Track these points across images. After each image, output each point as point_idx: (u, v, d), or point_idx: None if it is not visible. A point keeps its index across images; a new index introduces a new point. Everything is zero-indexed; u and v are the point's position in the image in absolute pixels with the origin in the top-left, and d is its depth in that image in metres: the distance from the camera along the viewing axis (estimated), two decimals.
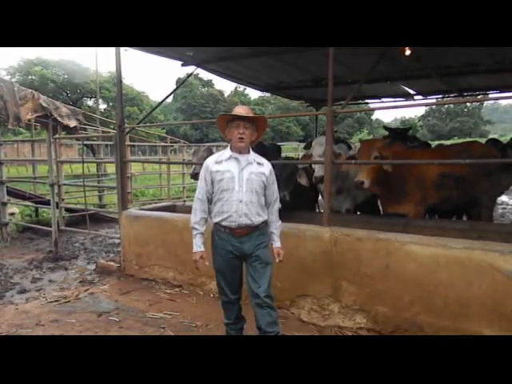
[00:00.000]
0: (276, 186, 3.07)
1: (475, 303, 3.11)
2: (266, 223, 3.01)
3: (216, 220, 2.94)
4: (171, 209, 5.79)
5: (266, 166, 2.99)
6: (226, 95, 59.35)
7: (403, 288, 3.40)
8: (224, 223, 2.89)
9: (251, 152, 2.98)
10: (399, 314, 3.43)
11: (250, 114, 2.89)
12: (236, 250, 2.90)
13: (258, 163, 2.95)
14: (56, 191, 6.77)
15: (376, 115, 61.78)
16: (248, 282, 2.91)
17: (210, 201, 2.98)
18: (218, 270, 3.00)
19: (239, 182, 2.84)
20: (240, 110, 2.89)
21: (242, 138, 2.84)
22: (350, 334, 3.60)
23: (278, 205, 3.08)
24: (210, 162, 2.97)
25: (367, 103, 9.30)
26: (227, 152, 2.95)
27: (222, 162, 2.91)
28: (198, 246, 2.98)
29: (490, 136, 28.01)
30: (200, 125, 48.83)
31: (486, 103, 63.34)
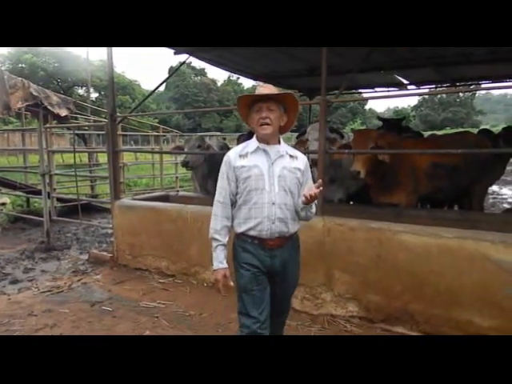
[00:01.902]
0: (311, 180, 2.47)
1: (466, 292, 3.15)
2: (297, 233, 2.49)
3: (241, 229, 2.35)
4: (164, 199, 5.77)
5: (301, 160, 2.43)
6: (219, 84, 59.08)
7: (395, 277, 3.43)
8: (252, 233, 2.31)
9: (282, 142, 2.42)
10: (391, 302, 3.47)
11: (275, 92, 2.32)
12: (264, 266, 2.34)
13: (291, 156, 2.39)
14: (47, 181, 6.72)
15: (369, 105, 62.06)
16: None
17: (233, 204, 2.41)
18: (242, 289, 2.35)
19: (270, 179, 2.29)
20: (262, 90, 2.33)
21: (266, 124, 2.27)
22: (342, 322, 3.63)
23: (315, 208, 2.45)
24: (232, 155, 2.38)
25: (360, 93, 9.27)
26: (253, 143, 2.38)
27: (247, 155, 2.34)
28: (219, 261, 2.36)
29: (482, 126, 28.22)
30: (193, 114, 48.58)
31: (478, 93, 63.56)
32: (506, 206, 9.93)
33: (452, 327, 3.20)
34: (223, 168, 2.41)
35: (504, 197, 11.97)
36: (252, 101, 2.32)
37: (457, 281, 3.17)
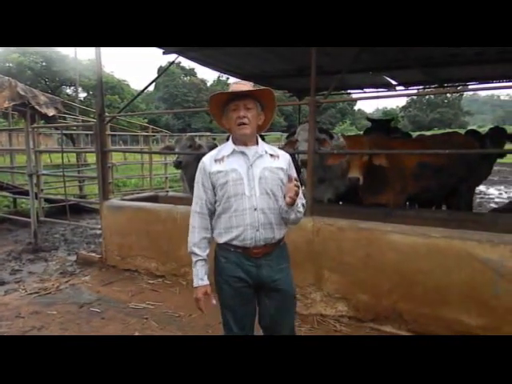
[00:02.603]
0: (297, 179, 2.21)
1: (454, 291, 3.17)
2: (285, 240, 2.30)
3: (223, 240, 2.16)
4: (153, 199, 5.75)
5: (283, 158, 2.23)
6: (208, 84, 59.01)
7: (384, 276, 3.45)
8: (235, 242, 2.12)
9: (260, 141, 2.22)
10: (380, 301, 3.49)
11: (251, 88, 2.12)
12: (250, 276, 2.15)
13: (272, 155, 2.20)
14: (35, 181, 6.66)
15: (358, 106, 62.39)
16: (264, 319, 2.23)
17: (212, 213, 2.22)
18: (224, 305, 2.22)
19: (250, 183, 2.10)
20: (237, 86, 2.12)
21: (244, 124, 2.08)
22: (331, 322, 3.65)
23: (302, 201, 2.23)
24: (206, 160, 2.19)
25: (350, 93, 9.32)
26: (229, 145, 2.19)
27: (223, 160, 2.15)
28: (199, 277, 2.18)
29: (469, 127, 28.53)
30: (182, 114, 48.46)
31: (465, 94, 64.29)
32: (493, 205, 10.04)
33: (440, 326, 3.23)
34: (198, 175, 2.22)
35: (491, 196, 12.11)
36: (226, 99, 2.12)
37: (445, 280, 3.20)
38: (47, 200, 8.19)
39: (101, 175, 5.27)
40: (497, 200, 11.32)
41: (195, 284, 2.19)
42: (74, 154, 11.62)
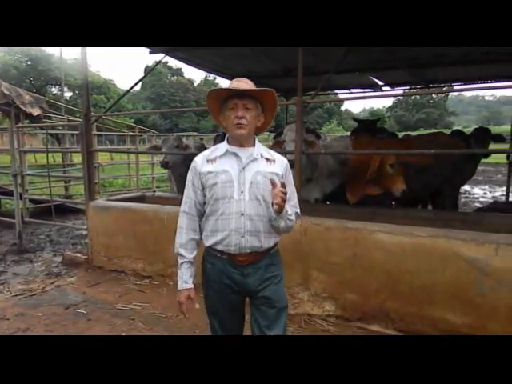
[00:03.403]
0: (294, 187, 2.18)
1: (439, 289, 3.21)
2: (278, 247, 2.19)
3: (209, 243, 2.07)
4: (140, 199, 5.72)
5: (279, 163, 2.10)
6: (195, 84, 58.87)
7: (371, 276, 3.47)
8: (219, 247, 2.03)
9: (257, 144, 2.11)
10: (367, 300, 3.51)
11: (252, 88, 2.02)
12: (236, 284, 2.05)
13: (267, 159, 2.08)
14: (19, 182, 6.57)
15: (345, 106, 62.75)
16: (253, 331, 2.10)
17: (201, 215, 2.13)
18: (210, 311, 2.15)
19: (240, 186, 1.99)
20: (237, 84, 2.01)
21: (241, 124, 1.97)
22: (319, 321, 3.66)
23: (296, 210, 2.12)
24: (198, 160, 2.10)
25: (337, 94, 9.37)
26: (223, 145, 2.09)
27: (215, 160, 2.05)
28: (183, 280, 2.08)
29: (455, 127, 28.84)
30: (170, 114, 48.25)
31: (450, 95, 65.10)
32: (478, 205, 10.18)
33: (426, 325, 3.26)
34: (189, 175, 2.14)
35: (475, 196, 12.28)
36: (226, 96, 2.01)
37: (430, 279, 3.23)
38: (32, 200, 8.09)
39: (87, 175, 5.23)
40: (481, 199, 11.47)
41: (179, 287, 2.09)
42: (60, 154, 11.49)
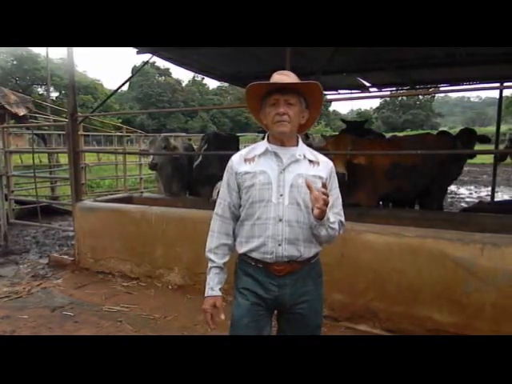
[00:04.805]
0: (338, 192, 1.97)
1: (426, 289, 3.24)
2: (319, 258, 2.00)
3: (243, 249, 1.89)
4: (128, 200, 5.68)
5: (324, 166, 1.91)
6: (183, 84, 58.70)
7: (358, 275, 3.49)
8: (254, 254, 1.85)
9: (300, 143, 1.92)
10: (355, 300, 3.53)
11: (295, 81, 1.84)
12: (270, 296, 1.85)
13: (311, 161, 1.88)
14: (4, 183, 6.49)
15: (333, 107, 62.99)
16: None
17: (236, 218, 1.96)
18: (235, 322, 1.90)
19: (279, 189, 1.81)
20: (279, 78, 1.85)
21: (283, 121, 1.79)
22: None
23: (340, 218, 1.92)
24: (235, 159, 1.94)
25: (324, 95, 9.40)
26: (262, 144, 1.91)
27: (253, 160, 1.88)
28: (210, 286, 1.92)
29: (441, 128, 29.16)
30: (157, 114, 48.05)
31: (436, 96, 65.71)
32: (464, 205, 10.29)
33: (413, 324, 3.28)
34: (225, 175, 1.96)
35: (461, 196, 12.42)
36: (266, 91, 1.84)
37: (417, 278, 3.26)
38: (18, 202, 7.98)
39: (73, 176, 5.19)
40: (467, 200, 11.60)
41: (205, 294, 1.92)
42: (46, 155, 11.37)
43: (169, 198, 5.65)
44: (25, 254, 5.98)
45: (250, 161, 1.88)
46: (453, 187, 13.08)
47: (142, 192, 9.65)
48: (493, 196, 7.91)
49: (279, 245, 1.80)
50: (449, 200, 10.97)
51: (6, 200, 6.47)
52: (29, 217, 7.24)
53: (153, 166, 5.43)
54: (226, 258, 1.95)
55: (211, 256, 1.93)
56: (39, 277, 4.94)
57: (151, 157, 5.50)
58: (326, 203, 1.66)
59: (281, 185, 1.81)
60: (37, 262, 5.54)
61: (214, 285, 1.91)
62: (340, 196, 1.96)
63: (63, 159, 10.87)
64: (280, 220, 1.80)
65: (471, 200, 11.35)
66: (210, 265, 1.94)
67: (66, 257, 5.37)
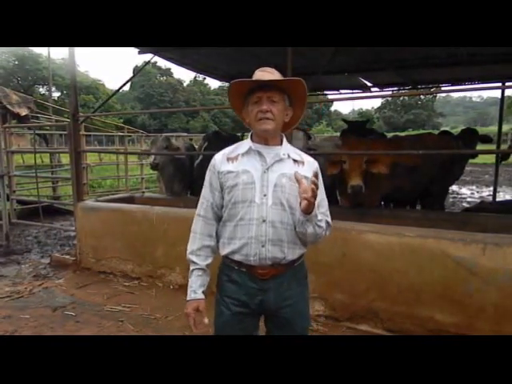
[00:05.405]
0: (324, 192, 1.89)
1: (428, 289, 3.23)
2: (303, 260, 1.94)
3: (225, 251, 1.84)
4: (129, 200, 5.68)
5: (309, 165, 1.86)
6: (185, 84, 58.71)
7: (360, 276, 3.49)
8: (237, 257, 1.79)
9: (285, 142, 1.88)
10: (356, 300, 3.52)
11: (278, 77, 1.80)
12: (254, 301, 1.81)
13: (295, 160, 1.84)
14: (6, 183, 6.51)
15: (334, 106, 62.98)
16: None
17: (219, 219, 1.90)
18: (219, 331, 1.88)
19: (262, 189, 1.76)
20: (261, 74, 1.81)
21: (266, 119, 1.75)
22: None
23: (327, 218, 1.88)
24: (218, 157, 1.88)
25: (326, 94, 9.41)
26: (246, 143, 1.87)
27: (237, 159, 1.83)
28: (192, 290, 1.86)
29: (442, 128, 29.13)
30: (159, 114, 48.00)
31: (438, 96, 65.60)
32: (465, 205, 10.28)
33: (414, 324, 3.28)
34: (207, 174, 1.91)
35: (463, 196, 12.40)
36: (249, 89, 1.80)
37: (419, 278, 3.26)
38: (20, 201, 8.00)
39: (75, 176, 5.20)
40: (469, 200, 11.59)
41: (187, 297, 1.86)
42: (48, 155, 11.37)
43: (170, 198, 5.66)
44: (26, 253, 5.99)
45: (233, 160, 1.83)
46: (455, 187, 13.07)
47: (143, 192, 9.67)
48: (494, 196, 7.89)
49: (263, 246, 1.75)
50: (450, 200, 10.95)
51: (8, 200, 6.49)
52: (30, 217, 7.26)
53: (154, 166, 5.44)
54: (209, 260, 1.89)
55: (193, 258, 1.87)
56: (41, 277, 4.95)
57: (153, 157, 5.50)
58: (314, 195, 1.60)
59: (264, 185, 1.76)
60: (38, 262, 5.55)
61: (196, 288, 1.85)
62: (326, 198, 1.92)
63: (65, 159, 10.88)
64: (263, 221, 1.75)
65: (473, 200, 11.34)
66: (191, 267, 1.88)
67: (67, 257, 5.38)
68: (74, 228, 5.42)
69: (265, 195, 1.75)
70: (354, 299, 3.54)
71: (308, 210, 1.64)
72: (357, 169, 4.01)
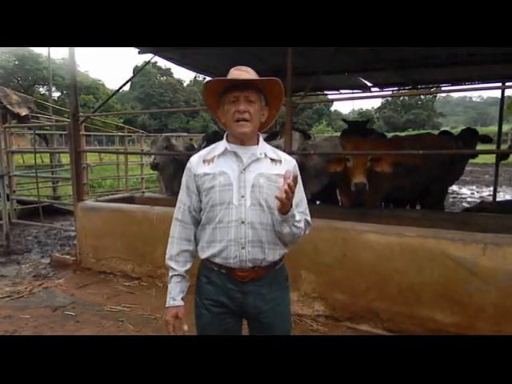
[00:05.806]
0: (302, 191, 1.89)
1: (428, 289, 3.23)
2: (284, 262, 1.93)
3: (205, 255, 1.80)
4: (129, 200, 5.68)
5: (287, 164, 1.83)
6: (185, 84, 58.72)
7: (360, 275, 3.49)
8: (217, 260, 1.76)
9: (261, 142, 1.84)
10: (356, 300, 3.52)
11: (255, 77, 1.78)
12: (234, 304, 1.78)
13: (273, 159, 1.81)
14: (6, 183, 6.51)
15: (334, 106, 62.98)
16: None
17: (197, 223, 1.86)
18: (201, 333, 1.86)
19: (240, 190, 1.73)
20: (237, 73, 1.78)
21: (244, 120, 1.72)
22: (308, 321, 3.67)
23: (306, 217, 1.85)
24: (194, 160, 1.84)
25: (326, 94, 9.41)
26: (222, 144, 1.82)
27: (213, 160, 1.79)
28: (171, 297, 1.84)
29: (442, 128, 29.11)
30: (159, 114, 47.99)
31: (438, 96, 65.60)
32: (466, 205, 10.28)
33: (414, 324, 3.28)
34: (184, 177, 1.86)
35: (463, 196, 12.40)
36: (224, 88, 1.76)
37: (419, 278, 3.26)
38: (20, 201, 8.00)
39: (75, 176, 5.20)
40: (469, 199, 11.59)
41: (166, 304, 1.84)
42: (48, 155, 11.38)
43: (170, 198, 5.65)
44: (27, 253, 6.00)
45: (210, 162, 1.80)
46: (455, 187, 13.07)
47: (143, 192, 9.67)
48: (495, 196, 7.89)
49: (242, 248, 1.72)
50: (450, 200, 10.95)
51: (8, 200, 6.49)
52: (31, 217, 7.26)
53: (154, 166, 5.44)
54: (188, 266, 1.87)
55: (172, 264, 1.84)
56: (41, 276, 4.95)
57: (153, 157, 5.50)
58: (288, 196, 1.57)
59: (242, 185, 1.73)
60: (38, 262, 5.56)
61: (175, 294, 1.83)
62: (304, 196, 1.90)
63: (65, 159, 10.88)
64: (242, 222, 1.72)
65: (473, 200, 11.33)
66: (170, 273, 1.85)
67: (67, 257, 5.38)
68: (74, 228, 5.42)
69: (242, 196, 1.73)
70: (354, 299, 3.54)
71: (283, 209, 1.63)
72: (361, 166, 4.02)
